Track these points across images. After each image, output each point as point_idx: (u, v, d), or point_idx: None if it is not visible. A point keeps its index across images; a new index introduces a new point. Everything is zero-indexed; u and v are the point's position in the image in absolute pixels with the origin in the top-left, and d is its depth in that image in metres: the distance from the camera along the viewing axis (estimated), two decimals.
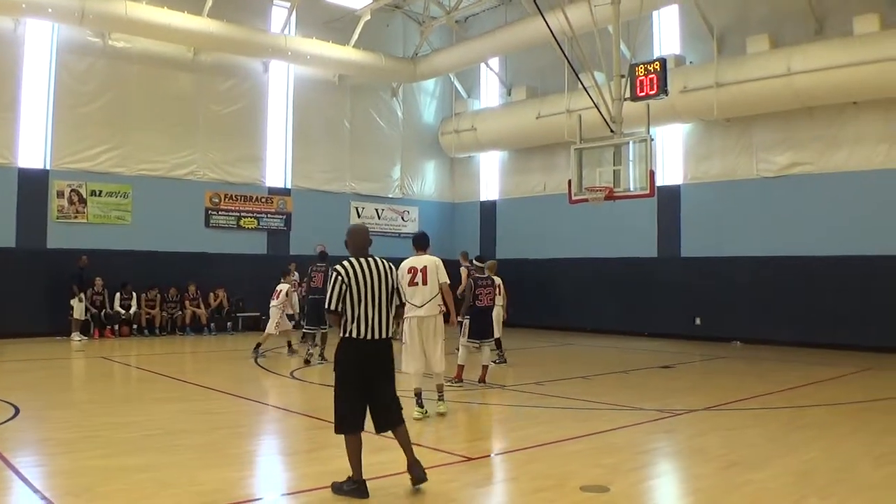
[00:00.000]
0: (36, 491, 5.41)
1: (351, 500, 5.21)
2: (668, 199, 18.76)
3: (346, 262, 5.51)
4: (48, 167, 17.30)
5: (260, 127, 20.61)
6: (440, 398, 7.92)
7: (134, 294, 17.59)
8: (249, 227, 20.25)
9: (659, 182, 16.39)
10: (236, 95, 20.10)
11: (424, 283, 7.88)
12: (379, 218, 22.80)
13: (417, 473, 5.42)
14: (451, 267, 17.28)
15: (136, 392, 10.87)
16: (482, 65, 22.87)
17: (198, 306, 18.52)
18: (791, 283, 16.55)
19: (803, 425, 8.08)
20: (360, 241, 5.67)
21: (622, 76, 13.64)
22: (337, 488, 5.34)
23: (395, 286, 5.67)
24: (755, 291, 17.12)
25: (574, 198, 13.95)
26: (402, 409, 5.67)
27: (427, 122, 24.22)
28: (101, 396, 10.20)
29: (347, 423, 5.38)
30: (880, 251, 15.36)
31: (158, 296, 17.98)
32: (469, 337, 10.61)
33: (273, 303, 14.10)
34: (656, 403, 9.20)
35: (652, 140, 13.22)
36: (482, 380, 10.65)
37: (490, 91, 23.82)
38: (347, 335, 5.45)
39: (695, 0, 17.21)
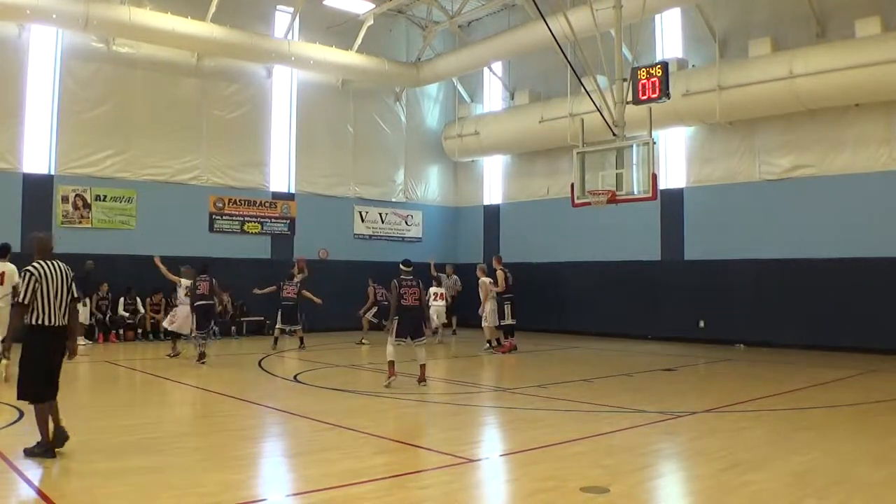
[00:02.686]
0: (39, 493, 5.45)
1: (43, 459, 6.18)
2: (671, 203, 18.77)
3: (35, 264, 6.58)
4: (53, 172, 17.40)
5: (263, 132, 20.68)
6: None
7: (138, 299, 17.68)
8: (253, 231, 20.31)
9: (662, 185, 16.40)
10: (240, 100, 20.18)
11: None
12: (382, 222, 22.85)
13: (62, 436, 6.45)
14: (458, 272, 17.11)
15: (139, 396, 10.91)
16: (485, 69, 22.91)
17: None
18: (794, 285, 16.53)
19: (804, 427, 8.08)
20: (45, 247, 6.90)
21: (624, 80, 13.63)
22: (29, 452, 6.27)
23: (71, 284, 6.68)
24: (759, 294, 17.11)
25: (577, 201, 13.95)
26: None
27: (430, 126, 24.27)
28: (104, 400, 10.26)
29: (42, 395, 6.41)
30: (883, 253, 15.35)
31: (163, 300, 18.02)
32: (396, 336, 10.64)
33: None
34: (658, 406, 9.20)
35: (654, 143, 13.21)
36: (421, 379, 10.66)
37: (493, 95, 23.87)
38: (38, 323, 6.39)
39: (697, 3, 17.24)
